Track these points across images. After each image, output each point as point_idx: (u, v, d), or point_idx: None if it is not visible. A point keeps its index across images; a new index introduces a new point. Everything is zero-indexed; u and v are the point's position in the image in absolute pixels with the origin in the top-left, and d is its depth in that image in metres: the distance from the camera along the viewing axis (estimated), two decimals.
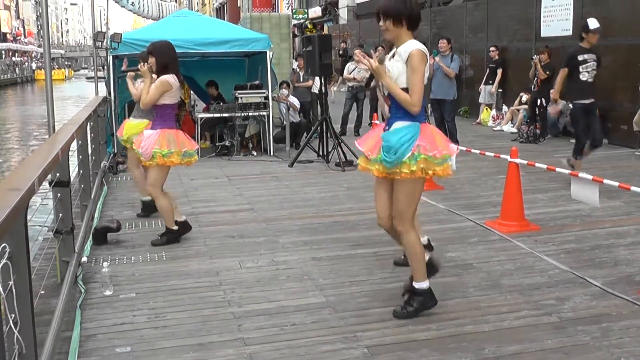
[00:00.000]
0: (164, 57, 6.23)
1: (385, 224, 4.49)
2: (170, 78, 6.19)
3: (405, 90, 4.10)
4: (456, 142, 9.97)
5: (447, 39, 11.90)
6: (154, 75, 6.26)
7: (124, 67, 7.62)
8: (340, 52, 24.12)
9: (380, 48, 14.91)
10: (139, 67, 6.26)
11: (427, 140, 4.11)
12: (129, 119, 7.69)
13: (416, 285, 4.39)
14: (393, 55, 4.28)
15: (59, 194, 4.95)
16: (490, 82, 15.52)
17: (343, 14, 34.37)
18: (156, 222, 7.09)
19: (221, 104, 12.09)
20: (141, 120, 7.31)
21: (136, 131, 7.23)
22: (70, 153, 5.48)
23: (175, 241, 6.32)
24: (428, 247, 5.34)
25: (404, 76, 4.10)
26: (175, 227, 6.36)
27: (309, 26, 37.04)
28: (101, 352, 4.03)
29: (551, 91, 10.18)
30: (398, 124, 4.17)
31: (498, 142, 12.56)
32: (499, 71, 15.26)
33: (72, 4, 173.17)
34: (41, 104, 34.59)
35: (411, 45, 4.10)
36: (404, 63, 4.10)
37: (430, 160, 4.10)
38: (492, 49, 15.52)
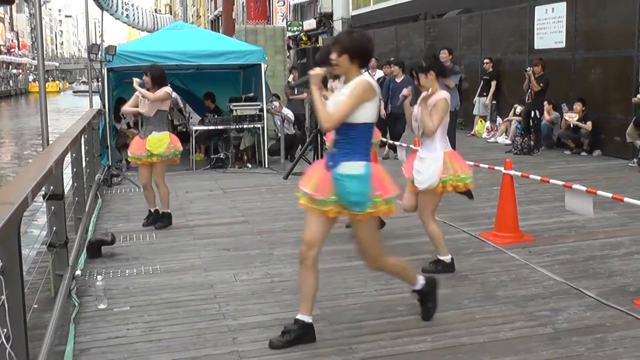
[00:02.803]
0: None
1: (312, 255, 4.17)
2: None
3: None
4: None
5: (449, 49, 11.89)
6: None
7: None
8: None
9: (374, 60, 14.96)
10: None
11: (380, 185, 4.02)
12: (149, 135, 7.28)
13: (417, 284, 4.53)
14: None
15: (52, 207, 4.94)
16: (485, 94, 15.58)
17: (337, 26, 34.47)
18: (150, 235, 7.08)
19: (216, 116, 12.11)
20: (163, 133, 7.33)
21: (164, 143, 7.23)
22: (64, 166, 5.48)
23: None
24: None
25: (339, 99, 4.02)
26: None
27: (304, 38, 37.15)
28: None
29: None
30: (347, 166, 3.99)
31: (492, 154, 12.60)
32: (493, 83, 15.33)
33: (66, 16, 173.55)
34: (35, 116, 34.55)
35: (360, 77, 4.04)
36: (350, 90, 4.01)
37: (387, 203, 4.05)
38: (486, 61, 15.59)
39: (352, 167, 3.98)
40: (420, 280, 4.50)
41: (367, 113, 4.01)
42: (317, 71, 4.14)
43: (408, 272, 4.51)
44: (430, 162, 5.37)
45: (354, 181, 3.96)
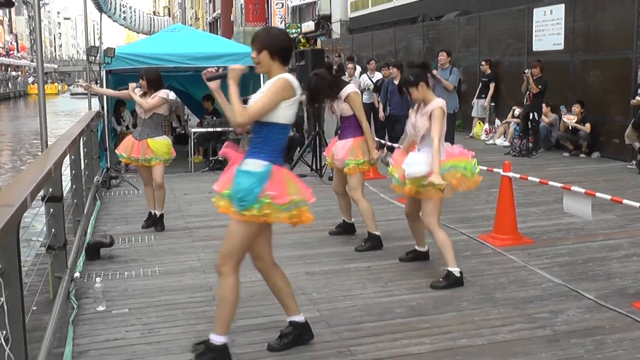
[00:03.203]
0: None
1: (264, 265, 4.18)
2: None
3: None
4: None
5: (447, 51, 11.90)
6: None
7: None
8: (335, 67, 24.14)
9: (373, 62, 14.98)
10: None
11: (276, 187, 3.80)
12: (148, 138, 7.29)
13: (213, 337, 3.98)
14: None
15: (51, 210, 4.94)
16: (483, 96, 15.59)
17: (336, 28, 34.54)
18: (149, 237, 7.07)
19: (214, 118, 12.10)
20: (165, 139, 7.40)
21: (170, 149, 7.34)
22: (63, 168, 5.47)
23: (380, 247, 6.39)
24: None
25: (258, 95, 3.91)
26: (378, 233, 6.46)
27: (302, 40, 37.17)
28: None
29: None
30: (250, 163, 3.85)
31: (491, 156, 12.58)
32: (492, 85, 15.33)
33: (65, 19, 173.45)
34: (34, 118, 34.53)
35: (281, 74, 3.88)
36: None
37: (277, 208, 3.82)
38: (482, 63, 15.62)
39: (251, 164, 3.84)
40: (222, 339, 3.95)
41: (281, 113, 3.84)
42: (236, 66, 3.94)
43: (225, 318, 3.97)
44: (425, 159, 5.28)
45: (247, 177, 3.79)
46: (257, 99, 3.85)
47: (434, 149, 5.13)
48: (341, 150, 6.45)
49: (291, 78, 3.87)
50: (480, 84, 15.68)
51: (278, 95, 3.81)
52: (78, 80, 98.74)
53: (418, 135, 5.41)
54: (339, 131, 6.74)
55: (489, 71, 15.45)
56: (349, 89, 6.46)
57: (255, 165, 3.83)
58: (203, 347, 4.01)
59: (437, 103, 5.30)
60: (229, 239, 3.93)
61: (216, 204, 4.03)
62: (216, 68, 4.05)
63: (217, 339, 3.95)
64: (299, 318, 4.23)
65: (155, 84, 7.23)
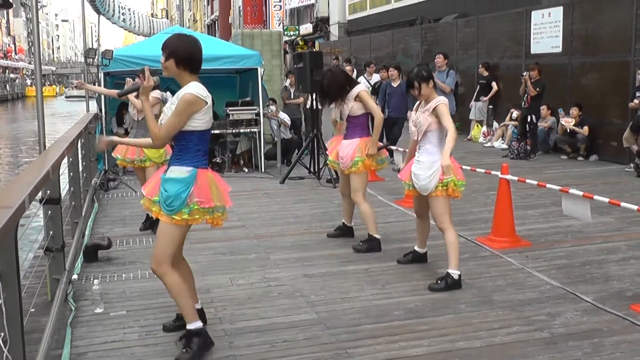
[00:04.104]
0: None
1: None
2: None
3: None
4: None
5: (444, 54, 11.93)
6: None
7: None
8: None
9: (372, 65, 15.00)
10: None
11: (202, 193, 4.01)
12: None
13: (190, 326, 4.13)
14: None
15: (49, 212, 4.94)
16: (481, 98, 15.62)
17: (334, 30, 34.55)
18: (147, 239, 7.07)
19: (212, 120, 12.09)
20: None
21: (161, 150, 7.22)
22: (61, 170, 5.47)
23: (378, 250, 6.38)
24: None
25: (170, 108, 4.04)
26: (379, 236, 6.45)
27: (300, 43, 37.21)
28: None
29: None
30: (175, 170, 4.02)
31: (489, 159, 12.61)
32: (494, 84, 15.37)
33: (63, 21, 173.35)
34: (32, 120, 34.50)
35: (184, 90, 4.02)
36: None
37: (203, 211, 4.06)
38: (479, 66, 15.67)
39: (177, 171, 4.01)
40: (197, 323, 4.13)
41: (197, 122, 3.99)
42: (150, 82, 4.06)
43: (188, 307, 4.13)
44: (428, 165, 5.35)
45: (173, 183, 3.97)
46: (166, 121, 3.99)
47: (450, 136, 5.21)
48: (347, 149, 6.41)
49: (197, 89, 3.98)
50: (478, 86, 15.71)
51: (185, 113, 3.94)
52: (72, 81, 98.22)
53: (420, 132, 5.43)
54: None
55: (486, 73, 15.49)
56: (359, 87, 6.49)
57: (181, 171, 4.00)
58: (186, 336, 4.13)
59: (440, 100, 5.41)
60: (160, 240, 4.10)
61: (145, 207, 4.27)
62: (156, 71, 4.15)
63: (192, 326, 4.10)
64: (198, 306, 4.45)
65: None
